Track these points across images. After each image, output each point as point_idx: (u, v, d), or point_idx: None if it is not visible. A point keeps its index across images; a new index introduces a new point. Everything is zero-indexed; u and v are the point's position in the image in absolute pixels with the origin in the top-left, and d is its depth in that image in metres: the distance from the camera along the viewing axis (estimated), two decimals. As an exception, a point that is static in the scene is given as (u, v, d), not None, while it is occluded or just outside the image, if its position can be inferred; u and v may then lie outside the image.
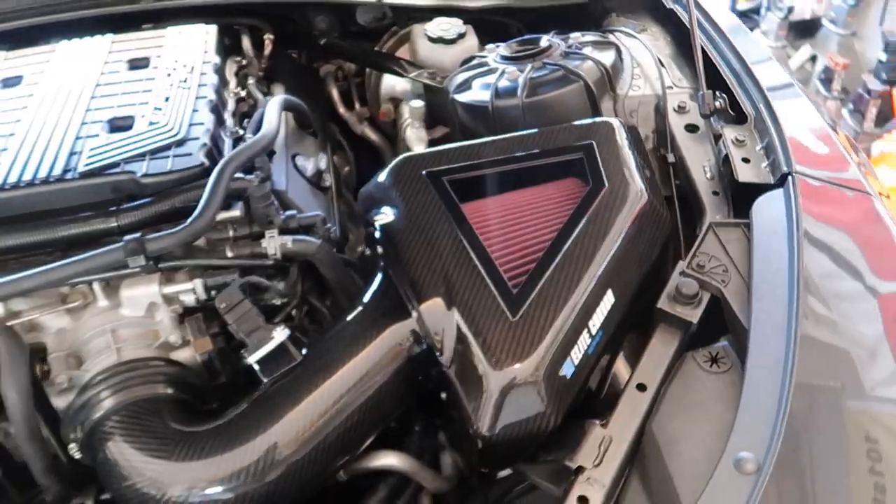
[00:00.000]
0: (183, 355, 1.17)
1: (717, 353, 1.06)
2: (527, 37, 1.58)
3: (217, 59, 1.55)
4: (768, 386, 0.93)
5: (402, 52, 1.91)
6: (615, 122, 1.29)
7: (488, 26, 1.84)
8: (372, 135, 1.97)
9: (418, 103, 1.58)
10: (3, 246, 1.16)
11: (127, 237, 1.10)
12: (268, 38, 1.78)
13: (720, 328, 1.10)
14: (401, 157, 1.27)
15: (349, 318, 1.15)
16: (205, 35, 1.64)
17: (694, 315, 1.08)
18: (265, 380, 1.08)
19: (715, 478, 0.88)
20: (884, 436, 0.93)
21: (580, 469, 0.96)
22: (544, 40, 1.55)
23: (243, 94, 1.59)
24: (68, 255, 1.16)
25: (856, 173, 1.21)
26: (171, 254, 1.14)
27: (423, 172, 1.22)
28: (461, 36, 1.72)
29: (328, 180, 1.54)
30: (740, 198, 1.24)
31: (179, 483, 1.01)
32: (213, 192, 1.16)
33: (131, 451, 1.04)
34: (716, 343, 1.08)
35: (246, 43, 1.74)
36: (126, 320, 1.17)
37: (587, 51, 1.52)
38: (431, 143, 1.63)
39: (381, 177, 1.25)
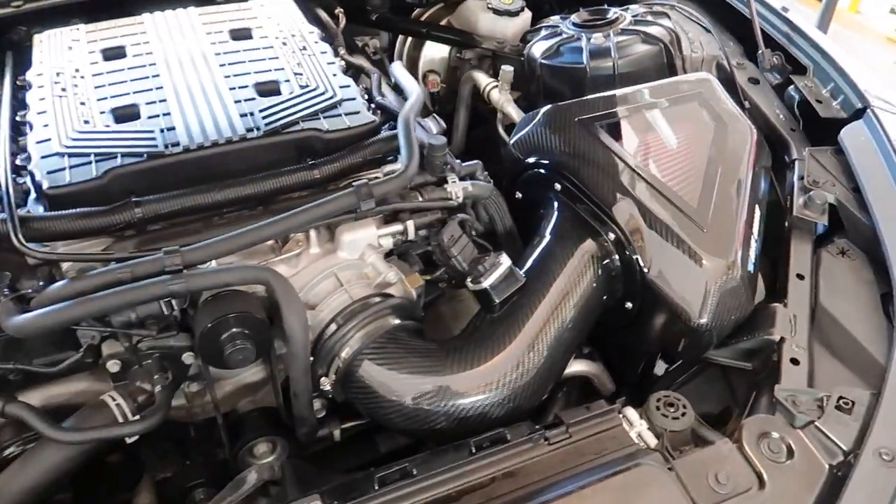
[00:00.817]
0: (396, 292, 1.27)
1: (843, 247, 1.34)
2: (592, 8, 1.79)
3: (317, 30, 1.62)
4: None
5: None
6: (709, 76, 1.54)
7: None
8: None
9: (509, 68, 1.74)
10: (215, 201, 1.20)
11: (357, 183, 1.19)
12: (340, 12, 1.85)
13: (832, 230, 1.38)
14: (548, 107, 1.44)
15: (543, 244, 1.32)
16: (287, 7, 1.70)
17: (823, 218, 1.35)
18: (497, 300, 1.22)
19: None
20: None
21: (782, 339, 1.19)
22: (611, 12, 1.77)
23: (341, 63, 1.66)
24: (269, 210, 1.23)
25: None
26: (384, 199, 1.24)
27: (576, 119, 1.41)
28: (522, 8, 1.90)
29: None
30: (811, 133, 1.54)
31: (459, 392, 1.13)
32: (410, 141, 1.27)
33: (399, 375, 1.15)
34: (834, 240, 1.36)
35: (325, 16, 1.80)
36: (344, 263, 1.25)
37: (650, 18, 1.76)
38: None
39: (533, 126, 1.42)
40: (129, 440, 1.12)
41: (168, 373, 1.15)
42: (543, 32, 1.80)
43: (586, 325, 1.28)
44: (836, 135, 1.48)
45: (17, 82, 1.47)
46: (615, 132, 1.39)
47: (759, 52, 1.66)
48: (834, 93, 1.55)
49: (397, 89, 1.54)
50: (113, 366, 1.15)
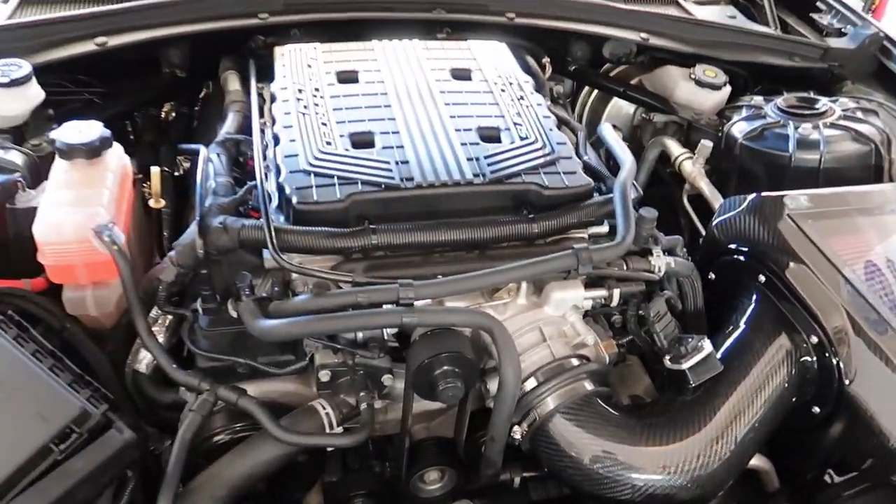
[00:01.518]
0: (590, 353, 1.31)
1: None
2: (801, 95, 1.79)
3: (531, 79, 1.69)
4: None
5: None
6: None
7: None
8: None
9: (709, 144, 1.76)
10: (440, 240, 1.27)
11: (577, 247, 1.24)
12: (546, 61, 1.92)
13: None
14: (759, 195, 1.46)
15: (739, 335, 1.33)
16: (502, 53, 1.77)
17: None
18: (693, 384, 1.24)
19: None
20: None
21: None
22: (821, 102, 1.76)
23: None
24: (484, 254, 1.30)
25: None
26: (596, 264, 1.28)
27: (787, 214, 1.41)
28: (725, 83, 1.91)
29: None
30: None
31: (642, 466, 1.16)
32: (627, 211, 1.31)
33: (588, 437, 1.19)
34: None
35: (533, 64, 1.87)
36: (547, 319, 1.30)
37: (858, 114, 1.74)
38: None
39: (740, 212, 1.43)
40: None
41: (376, 393, 1.23)
42: (745, 112, 1.81)
43: (774, 423, 1.29)
44: None
45: (260, 92, 1.60)
46: (828, 232, 1.39)
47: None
48: None
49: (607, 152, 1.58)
50: (324, 375, 1.24)
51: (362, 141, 1.41)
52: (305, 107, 1.49)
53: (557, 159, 1.43)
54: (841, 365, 1.24)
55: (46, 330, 1.25)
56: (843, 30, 2.06)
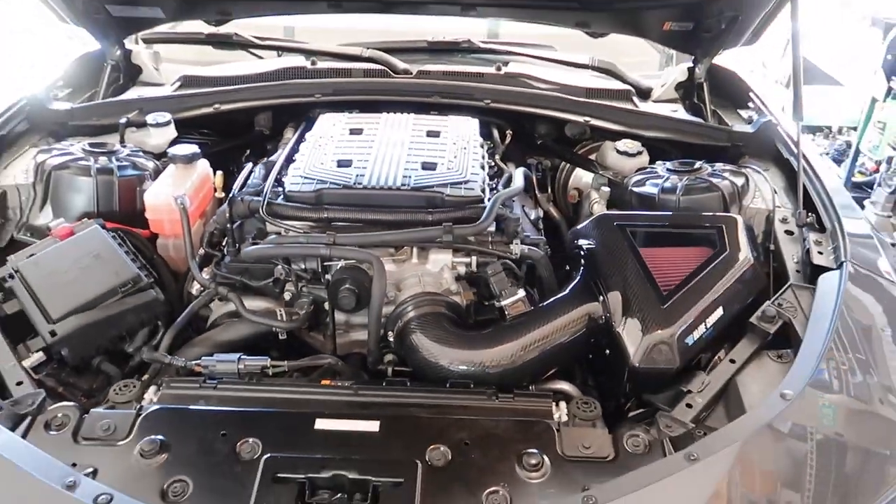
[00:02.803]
0: (455, 299, 1.98)
1: (782, 354, 1.76)
2: (686, 160, 2.39)
3: (481, 140, 2.45)
4: (808, 365, 1.63)
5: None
6: (739, 217, 2.06)
7: (655, 150, 2.67)
8: (553, 212, 2.81)
9: (607, 189, 2.41)
10: (367, 219, 2.04)
11: (444, 224, 1.95)
12: (509, 133, 2.69)
13: (784, 344, 1.80)
14: (602, 213, 2.09)
15: (558, 297, 1.94)
16: (471, 124, 2.56)
17: (772, 328, 1.79)
18: (508, 315, 1.87)
19: (768, 401, 1.57)
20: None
21: (689, 391, 1.68)
22: (698, 164, 2.36)
23: (491, 163, 2.47)
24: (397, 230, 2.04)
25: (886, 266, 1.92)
26: (463, 240, 1.98)
27: (615, 223, 2.03)
28: (639, 153, 2.55)
29: (540, 224, 2.38)
30: (813, 278, 1.96)
31: (462, 361, 1.80)
32: (491, 209, 2.00)
33: (430, 343, 1.85)
34: (783, 350, 1.78)
35: (495, 134, 2.65)
36: (427, 272, 2.02)
37: (726, 174, 2.31)
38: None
39: (588, 223, 2.07)
40: (280, 335, 1.98)
41: (312, 307, 1.99)
42: (647, 170, 2.43)
43: (569, 352, 1.87)
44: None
45: (301, 139, 2.51)
46: (640, 238, 1.99)
47: (798, 211, 2.12)
48: (835, 249, 1.96)
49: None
50: (286, 294, 2.02)
51: (344, 163, 2.24)
52: (319, 146, 2.36)
53: (465, 181, 2.16)
54: (613, 316, 1.82)
55: (144, 257, 2.15)
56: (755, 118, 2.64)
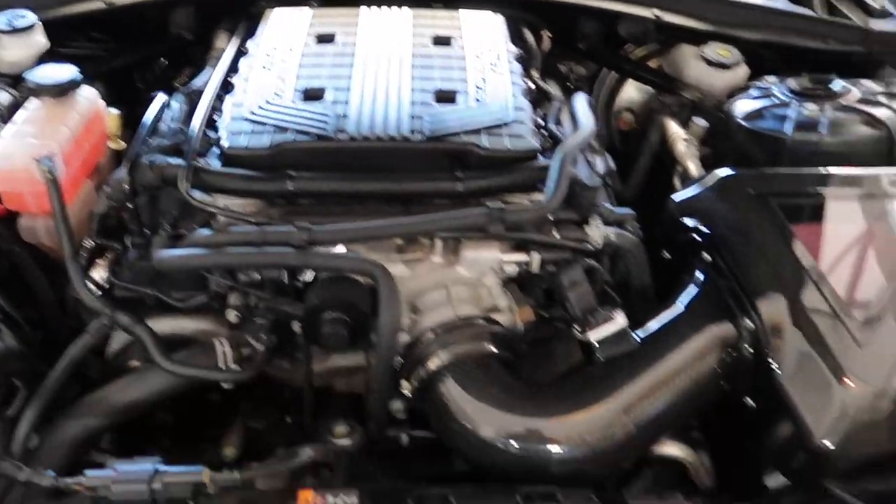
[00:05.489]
0: (504, 319, 1.25)
1: None
2: (817, 76, 1.63)
3: (515, 49, 1.64)
4: None
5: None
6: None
7: (747, 59, 1.89)
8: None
9: (702, 123, 1.65)
10: (359, 190, 1.26)
11: (491, 205, 1.19)
12: (546, 34, 1.87)
13: None
14: (725, 173, 1.34)
15: (670, 315, 1.22)
16: (495, 23, 1.73)
17: None
18: (602, 358, 1.15)
19: None
20: None
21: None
22: (838, 83, 1.60)
23: (531, 84, 1.67)
24: (407, 210, 1.27)
25: None
26: (518, 226, 1.22)
27: (752, 192, 1.29)
28: (737, 64, 1.77)
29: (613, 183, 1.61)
30: None
31: (521, 435, 1.10)
32: (561, 175, 1.23)
33: (472, 401, 1.13)
34: None
35: (529, 37, 1.83)
36: (459, 279, 1.26)
37: (880, 98, 1.56)
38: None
39: (705, 190, 1.32)
40: (224, 386, 1.22)
41: (273, 337, 1.23)
42: (753, 92, 1.66)
43: (692, 408, 1.18)
44: None
45: (242, 49, 1.66)
46: (794, 215, 1.26)
47: None
48: None
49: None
50: (232, 315, 1.25)
51: (313, 95, 1.42)
52: (272, 63, 1.52)
53: (509, 123, 1.38)
54: (771, 355, 1.11)
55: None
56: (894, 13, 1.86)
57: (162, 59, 1.94)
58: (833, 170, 1.33)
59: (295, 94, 1.42)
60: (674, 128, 1.73)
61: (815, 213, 1.27)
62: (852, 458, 1.07)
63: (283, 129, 1.31)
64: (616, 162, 1.58)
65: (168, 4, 1.82)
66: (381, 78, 1.47)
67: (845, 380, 1.06)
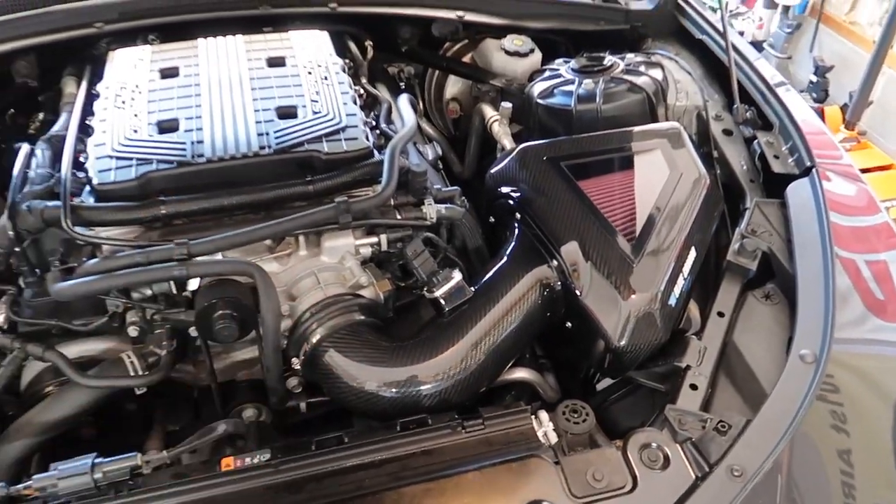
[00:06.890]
0: (367, 293, 1.51)
1: (769, 292, 1.49)
2: (593, 54, 1.98)
3: (341, 61, 1.88)
4: (816, 309, 1.37)
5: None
6: (678, 126, 1.71)
7: (542, 44, 2.23)
8: (430, 130, 2.32)
9: (508, 105, 1.96)
10: (223, 205, 1.47)
11: (338, 199, 1.43)
12: (369, 44, 2.11)
13: (766, 276, 1.53)
14: (523, 146, 1.65)
15: (497, 266, 1.52)
16: (321, 40, 1.97)
17: (753, 265, 1.50)
18: (447, 309, 1.44)
19: (787, 368, 1.30)
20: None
21: (688, 367, 1.37)
22: (607, 59, 1.96)
23: (360, 90, 1.92)
24: (270, 215, 1.49)
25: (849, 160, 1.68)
26: (364, 214, 1.48)
27: (545, 158, 1.61)
28: (531, 51, 2.10)
29: (440, 166, 1.90)
30: (769, 185, 1.69)
31: (395, 382, 1.36)
32: (392, 166, 1.50)
33: (351, 363, 1.38)
34: (765, 286, 1.51)
35: (354, 48, 2.07)
36: (324, 265, 1.50)
37: (641, 67, 1.94)
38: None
39: (508, 161, 1.63)
40: (137, 391, 1.41)
41: (174, 342, 1.43)
42: (547, 74, 2.00)
43: (526, 336, 1.49)
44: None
45: (93, 92, 1.79)
46: (578, 172, 1.59)
47: (735, 106, 1.81)
48: (791, 150, 1.69)
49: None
50: (133, 331, 1.43)
51: (168, 127, 1.60)
52: (123, 102, 1.68)
53: (344, 128, 1.62)
54: (573, 283, 1.44)
55: None
56: (649, -6, 2.26)
57: (11, 109, 2.02)
58: (602, 133, 1.68)
59: (150, 127, 1.59)
60: (489, 111, 2.04)
61: (594, 169, 1.61)
62: (641, 350, 1.41)
63: (147, 161, 1.49)
64: (454, 147, 1.86)
65: (9, 56, 1.91)
66: (226, 102, 1.67)
67: (627, 293, 1.40)
